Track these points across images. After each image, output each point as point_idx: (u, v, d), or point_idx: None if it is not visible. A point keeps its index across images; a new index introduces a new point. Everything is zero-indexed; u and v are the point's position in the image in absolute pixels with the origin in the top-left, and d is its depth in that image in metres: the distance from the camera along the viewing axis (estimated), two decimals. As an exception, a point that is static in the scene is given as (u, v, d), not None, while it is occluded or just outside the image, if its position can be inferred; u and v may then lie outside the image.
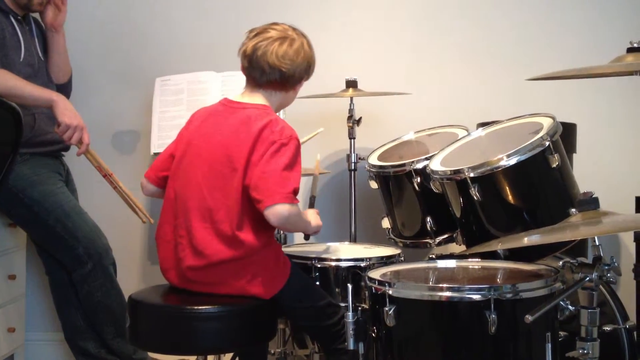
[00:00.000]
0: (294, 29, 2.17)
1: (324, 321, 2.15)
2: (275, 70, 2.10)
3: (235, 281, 2.05)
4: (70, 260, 2.65)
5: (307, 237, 2.35)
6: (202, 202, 2.06)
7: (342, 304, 2.22)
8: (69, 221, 2.61)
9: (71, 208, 2.64)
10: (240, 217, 2.03)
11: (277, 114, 2.18)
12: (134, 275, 3.26)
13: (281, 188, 1.99)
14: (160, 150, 2.89)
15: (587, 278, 1.74)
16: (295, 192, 2.03)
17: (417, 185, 2.44)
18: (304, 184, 2.60)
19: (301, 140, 2.18)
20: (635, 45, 2.09)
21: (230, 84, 2.89)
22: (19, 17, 2.69)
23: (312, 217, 2.25)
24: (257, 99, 2.15)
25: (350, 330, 1.95)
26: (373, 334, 1.91)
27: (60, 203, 2.62)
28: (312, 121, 3.16)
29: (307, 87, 3.00)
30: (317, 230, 2.25)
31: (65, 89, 2.83)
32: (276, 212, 1.98)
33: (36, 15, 2.81)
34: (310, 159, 2.59)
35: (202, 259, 2.04)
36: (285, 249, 2.44)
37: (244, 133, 2.05)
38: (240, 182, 2.03)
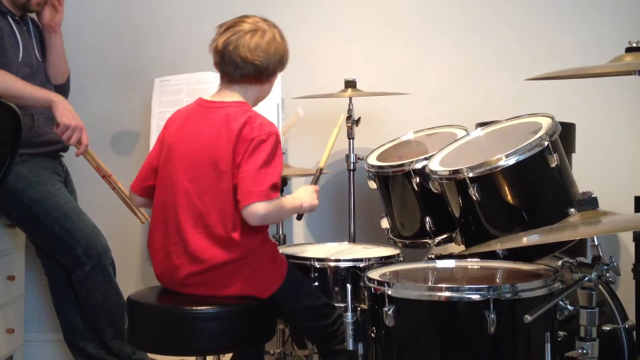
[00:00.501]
0: (265, 21, 2.14)
1: (321, 321, 2.14)
2: (249, 64, 2.08)
3: (233, 282, 2.05)
4: (69, 261, 2.64)
5: (299, 217, 2.33)
6: (193, 208, 2.04)
7: (341, 305, 2.22)
8: (68, 222, 2.61)
9: (70, 209, 2.64)
10: (233, 218, 2.02)
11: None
12: (132, 275, 3.26)
13: (257, 186, 1.98)
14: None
15: (586, 278, 1.74)
16: (275, 187, 2.01)
17: (416, 185, 2.44)
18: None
19: (284, 130, 2.18)
20: (634, 45, 2.10)
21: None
22: (17, 18, 2.69)
23: (306, 195, 2.21)
24: (233, 95, 2.12)
25: (349, 331, 1.95)
26: (372, 334, 1.91)
27: (59, 204, 2.62)
28: (311, 121, 3.16)
29: (305, 87, 3.04)
30: (311, 210, 2.22)
31: (63, 89, 2.83)
32: (252, 212, 1.97)
33: (33, 15, 2.81)
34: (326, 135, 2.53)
35: (199, 265, 2.03)
36: (284, 250, 2.44)
37: (225, 134, 2.03)
38: (229, 184, 2.02)
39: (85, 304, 2.69)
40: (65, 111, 2.51)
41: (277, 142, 2.05)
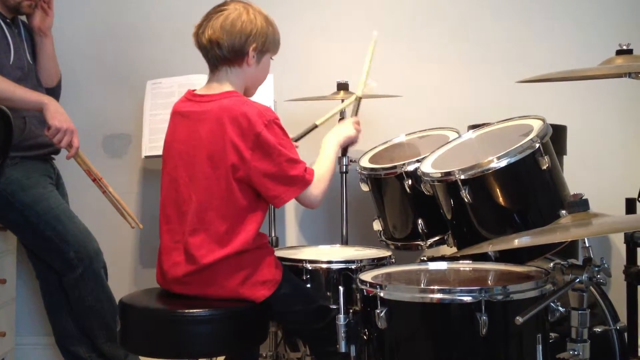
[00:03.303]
0: (241, 2, 2.12)
1: (315, 324, 2.14)
2: (214, 45, 2.07)
3: (228, 282, 2.04)
4: (60, 264, 2.64)
5: (345, 150, 2.43)
6: (192, 206, 2.05)
7: (334, 307, 2.22)
8: (60, 225, 2.60)
9: (62, 212, 2.63)
10: (231, 215, 2.03)
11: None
12: (125, 278, 3.25)
13: (293, 179, 2.05)
14: (151, 153, 2.89)
15: (578, 279, 1.74)
16: (303, 167, 2.08)
17: (408, 187, 2.45)
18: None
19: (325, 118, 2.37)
20: (625, 47, 2.11)
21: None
22: (8, 20, 2.68)
23: (342, 130, 2.32)
24: (222, 86, 2.12)
25: (341, 333, 1.95)
26: (364, 337, 1.91)
27: (51, 207, 2.61)
28: (303, 123, 3.16)
29: (298, 90, 3.04)
30: (352, 141, 2.35)
31: (54, 92, 2.82)
32: (306, 200, 2.10)
33: (24, 18, 2.80)
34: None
35: (196, 262, 2.03)
36: (276, 252, 2.43)
37: (220, 129, 2.02)
38: (226, 180, 2.01)
39: (77, 308, 2.68)
40: (56, 114, 2.51)
41: (279, 123, 2.06)
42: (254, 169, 2.01)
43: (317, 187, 2.10)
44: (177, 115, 2.16)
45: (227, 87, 2.11)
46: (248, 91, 2.20)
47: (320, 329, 2.14)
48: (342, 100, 2.90)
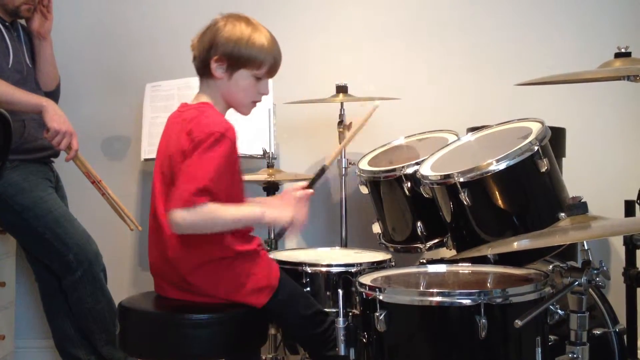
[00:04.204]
0: (236, 14, 2.05)
1: (313, 329, 2.13)
2: (193, 54, 2.05)
3: (217, 291, 2.03)
4: (60, 267, 2.64)
5: (279, 235, 2.15)
6: (163, 218, 2.00)
7: (333, 310, 2.22)
8: (59, 228, 2.60)
9: (61, 215, 2.63)
10: None
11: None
12: (124, 281, 3.25)
13: (179, 191, 1.88)
14: (150, 156, 2.89)
15: (577, 282, 1.74)
16: (202, 191, 1.86)
17: (408, 190, 2.45)
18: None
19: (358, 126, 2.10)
20: (623, 50, 2.11)
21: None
22: (7, 24, 2.68)
23: (278, 205, 2.02)
24: (200, 97, 2.08)
25: (341, 336, 1.95)
26: (364, 340, 1.91)
27: (50, 210, 2.61)
28: (303, 126, 3.17)
29: (297, 93, 3.04)
30: (286, 222, 2.00)
31: (53, 96, 2.82)
32: (172, 220, 1.88)
33: (23, 21, 2.80)
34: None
35: (180, 269, 2.02)
36: (275, 255, 2.43)
37: (176, 138, 1.99)
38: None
39: (76, 310, 2.68)
40: (55, 116, 2.51)
41: (219, 143, 1.91)
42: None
43: (193, 216, 1.86)
44: (166, 125, 2.12)
45: (202, 99, 2.07)
46: (235, 108, 2.10)
47: (320, 334, 2.13)
48: (342, 104, 2.91)
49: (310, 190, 2.09)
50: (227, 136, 1.93)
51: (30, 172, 2.64)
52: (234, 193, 2.01)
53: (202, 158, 1.89)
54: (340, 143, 2.91)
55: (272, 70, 2.07)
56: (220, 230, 1.95)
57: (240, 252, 2.04)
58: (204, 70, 2.05)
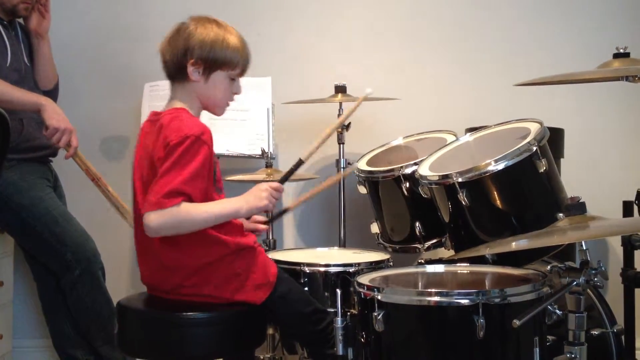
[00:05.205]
0: (204, 17, 2.06)
1: (313, 327, 2.13)
2: (162, 60, 2.04)
3: (223, 290, 2.03)
4: (58, 266, 2.63)
5: (275, 218, 2.16)
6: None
7: (331, 309, 2.22)
8: (57, 227, 2.60)
9: (59, 214, 2.63)
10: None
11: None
12: (122, 280, 3.24)
13: (152, 195, 1.87)
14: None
15: (575, 282, 1.75)
16: (173, 193, 1.86)
17: (406, 190, 2.45)
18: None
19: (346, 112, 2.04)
20: (622, 50, 2.11)
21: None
22: (5, 23, 2.68)
23: (251, 196, 2.01)
24: (171, 102, 2.07)
25: (339, 336, 1.95)
26: (362, 339, 1.91)
27: (49, 209, 2.61)
28: (301, 126, 3.17)
29: (296, 92, 3.04)
30: (256, 212, 2.05)
31: (51, 95, 2.82)
32: (145, 224, 1.87)
33: (22, 21, 2.80)
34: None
35: (176, 272, 2.01)
36: (273, 255, 2.44)
37: (152, 145, 1.97)
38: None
39: (75, 310, 2.68)
40: (54, 114, 2.50)
41: (193, 145, 1.90)
42: None
43: (163, 217, 1.86)
44: (140, 134, 2.10)
45: (176, 104, 2.05)
46: (210, 110, 2.10)
47: (316, 332, 2.14)
48: (340, 104, 2.91)
49: (282, 186, 2.10)
50: (202, 139, 1.93)
51: (28, 171, 2.64)
52: (209, 194, 2.00)
53: (177, 162, 1.88)
54: (338, 143, 2.91)
55: (245, 70, 2.09)
56: (201, 227, 1.94)
57: (239, 246, 2.03)
58: (178, 74, 2.03)
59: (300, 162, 2.21)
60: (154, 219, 1.86)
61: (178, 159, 1.88)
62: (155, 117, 2.06)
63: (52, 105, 2.54)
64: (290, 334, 2.35)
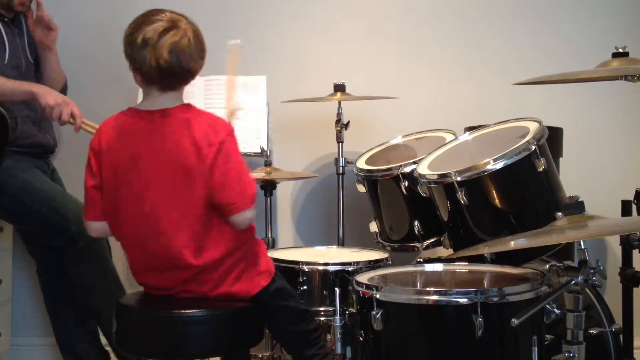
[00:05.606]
0: (185, 21, 2.11)
1: (304, 326, 2.10)
2: (159, 67, 2.06)
3: (224, 280, 2.02)
4: (62, 241, 2.54)
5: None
6: (171, 218, 1.97)
7: (330, 308, 2.22)
8: (55, 203, 2.54)
9: (56, 192, 2.59)
10: (206, 220, 1.99)
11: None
12: (121, 279, 3.23)
13: (247, 190, 1.98)
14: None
15: (573, 281, 1.75)
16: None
17: (405, 189, 2.45)
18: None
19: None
20: (620, 50, 2.11)
21: (213, 88, 2.87)
22: (6, 19, 2.66)
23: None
24: (175, 100, 2.07)
25: (337, 335, 1.95)
26: (361, 338, 1.92)
27: (43, 188, 2.56)
28: (300, 125, 3.17)
29: (294, 91, 3.03)
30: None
31: None
32: (243, 219, 1.98)
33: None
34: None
35: (192, 269, 2.00)
36: (272, 253, 2.43)
37: (188, 140, 1.96)
38: (200, 188, 1.95)
39: (81, 288, 2.60)
40: (48, 95, 2.46)
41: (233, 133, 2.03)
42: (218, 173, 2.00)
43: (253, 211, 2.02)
44: (124, 136, 2.11)
45: (182, 101, 2.10)
46: None
47: (309, 332, 2.10)
48: (339, 103, 2.91)
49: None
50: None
51: (22, 160, 2.61)
52: None
53: (238, 155, 2.00)
54: (337, 142, 2.90)
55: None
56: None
57: (247, 241, 2.06)
58: (184, 79, 2.05)
59: None
60: (249, 215, 2.00)
61: (237, 150, 2.00)
62: (150, 115, 2.04)
63: (44, 88, 2.50)
64: (278, 330, 2.27)
